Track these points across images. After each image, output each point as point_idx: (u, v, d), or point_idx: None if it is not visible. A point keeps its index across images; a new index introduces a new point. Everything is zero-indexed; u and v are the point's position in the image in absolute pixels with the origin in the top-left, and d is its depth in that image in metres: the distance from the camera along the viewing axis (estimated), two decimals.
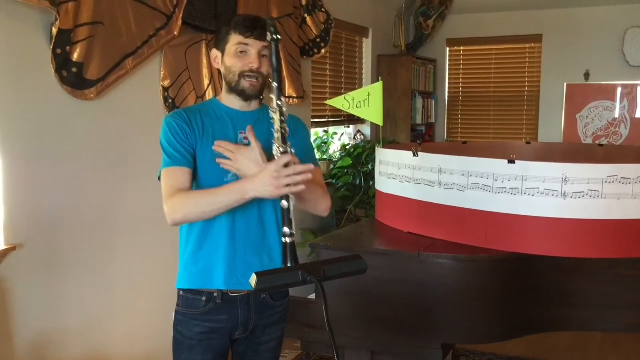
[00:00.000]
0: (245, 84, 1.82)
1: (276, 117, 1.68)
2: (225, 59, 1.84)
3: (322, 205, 1.91)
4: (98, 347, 2.83)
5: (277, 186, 1.63)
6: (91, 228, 2.77)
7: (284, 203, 1.65)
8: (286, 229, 1.65)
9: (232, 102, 1.89)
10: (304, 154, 1.85)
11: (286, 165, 1.64)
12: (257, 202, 1.85)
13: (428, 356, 2.25)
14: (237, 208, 1.82)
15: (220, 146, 1.78)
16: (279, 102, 1.69)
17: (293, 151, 1.69)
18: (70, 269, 2.67)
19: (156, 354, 3.07)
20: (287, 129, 1.70)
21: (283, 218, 1.66)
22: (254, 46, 1.80)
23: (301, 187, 1.64)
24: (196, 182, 1.84)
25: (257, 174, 1.68)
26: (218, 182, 1.80)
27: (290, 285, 1.41)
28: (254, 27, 1.79)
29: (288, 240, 1.64)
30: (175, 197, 1.73)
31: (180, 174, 1.78)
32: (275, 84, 1.69)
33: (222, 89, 1.93)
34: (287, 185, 1.63)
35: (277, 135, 1.68)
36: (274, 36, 1.68)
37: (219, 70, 1.91)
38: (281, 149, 1.67)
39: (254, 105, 1.91)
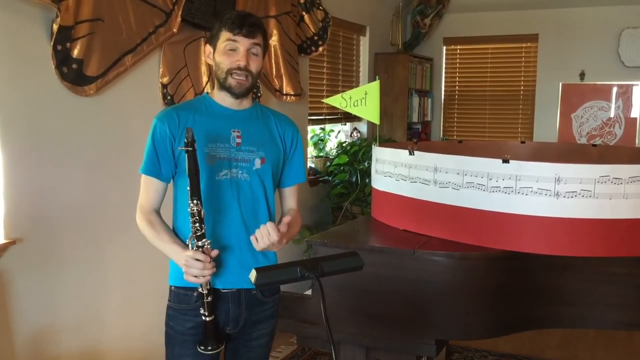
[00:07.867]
0: (232, 81, 1.83)
1: (191, 219, 1.73)
2: (215, 55, 1.86)
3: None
4: (94, 341, 2.85)
5: (185, 272, 1.74)
6: (89, 223, 2.79)
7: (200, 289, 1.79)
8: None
9: (223, 99, 1.90)
10: (295, 171, 2.02)
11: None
12: (252, 199, 1.88)
13: (422, 352, 2.28)
14: (232, 204, 1.85)
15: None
16: (192, 204, 1.72)
17: (210, 247, 1.75)
18: (68, 263, 2.70)
19: (151, 349, 3.09)
20: (203, 229, 1.73)
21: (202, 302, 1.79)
22: (243, 43, 1.82)
23: (206, 279, 1.74)
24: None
25: (180, 252, 1.78)
26: (210, 179, 1.81)
27: (288, 280, 1.44)
28: (243, 24, 1.80)
29: (207, 319, 1.79)
30: (142, 215, 1.87)
31: (153, 189, 1.87)
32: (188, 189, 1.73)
33: (214, 86, 1.95)
34: (195, 276, 1.73)
35: (192, 231, 1.73)
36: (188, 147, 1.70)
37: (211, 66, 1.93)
38: (196, 246, 1.74)
39: (245, 103, 1.92)
